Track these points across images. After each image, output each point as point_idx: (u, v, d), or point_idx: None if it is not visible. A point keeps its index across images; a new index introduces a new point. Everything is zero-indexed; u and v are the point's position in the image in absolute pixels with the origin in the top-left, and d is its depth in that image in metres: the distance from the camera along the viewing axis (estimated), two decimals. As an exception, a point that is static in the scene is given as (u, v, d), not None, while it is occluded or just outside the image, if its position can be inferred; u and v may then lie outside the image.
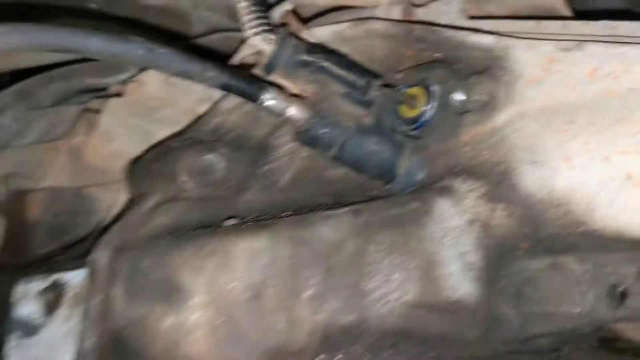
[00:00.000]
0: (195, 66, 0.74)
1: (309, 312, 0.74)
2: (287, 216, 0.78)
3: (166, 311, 0.70)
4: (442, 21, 1.07)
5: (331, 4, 1.15)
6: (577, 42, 0.84)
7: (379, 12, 1.08)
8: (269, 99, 0.80)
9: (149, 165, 0.89)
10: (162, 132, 1.21)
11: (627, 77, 0.79)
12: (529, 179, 0.83)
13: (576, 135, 0.81)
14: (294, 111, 0.82)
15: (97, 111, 1.31)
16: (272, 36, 0.82)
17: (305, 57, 0.81)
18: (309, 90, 0.83)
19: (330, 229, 0.77)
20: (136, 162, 0.95)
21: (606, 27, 0.89)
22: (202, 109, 1.08)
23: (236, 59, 0.97)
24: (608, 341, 1.17)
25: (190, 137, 0.90)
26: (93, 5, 1.51)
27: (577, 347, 1.06)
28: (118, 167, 1.25)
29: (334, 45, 1.03)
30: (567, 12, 1.19)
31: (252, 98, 0.80)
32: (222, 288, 0.71)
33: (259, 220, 0.78)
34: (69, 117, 1.59)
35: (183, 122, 1.02)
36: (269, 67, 0.81)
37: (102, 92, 1.47)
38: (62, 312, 0.93)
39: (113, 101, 1.22)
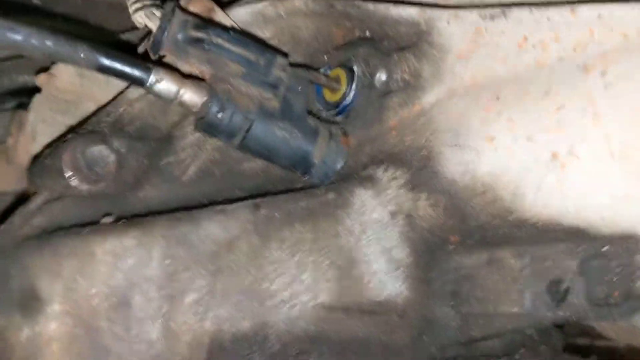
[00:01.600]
0: (64, 47, 0.66)
1: (192, 320, 0.65)
2: (171, 213, 0.69)
3: (23, 321, 0.62)
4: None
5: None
6: (501, 7, 0.74)
7: (303, -15, 1.00)
8: (157, 82, 0.72)
9: (42, 161, 0.81)
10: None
11: (556, 45, 0.69)
12: (452, 163, 0.74)
13: (500, 112, 0.71)
14: (187, 95, 0.73)
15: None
16: (157, 12, 0.74)
17: (195, 34, 0.73)
18: (204, 71, 0.75)
19: (218, 226, 0.69)
20: (35, 158, 0.87)
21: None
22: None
23: (141, 46, 0.89)
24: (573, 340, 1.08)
25: (87, 129, 0.82)
26: (36, 1, 1.44)
27: (534, 349, 0.97)
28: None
29: (255, 26, 0.94)
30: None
31: (138, 81, 0.72)
32: (81, 294, 0.62)
33: (140, 216, 0.69)
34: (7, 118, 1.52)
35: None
36: (155, 46, 0.73)
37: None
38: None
39: (36, 97, 1.15)
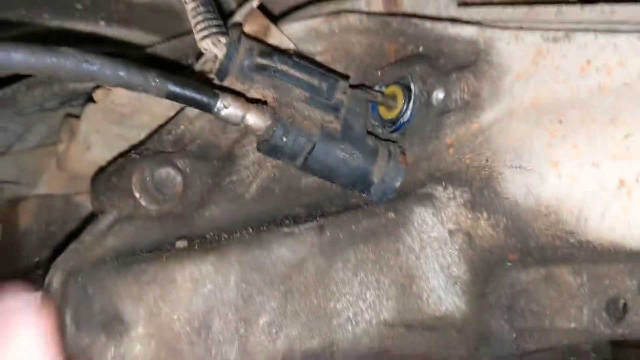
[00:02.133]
0: (136, 77, 0.68)
1: (265, 340, 0.68)
2: (241, 235, 0.71)
3: (108, 342, 0.65)
4: (430, 10, 0.99)
5: (312, -4, 1.08)
6: (565, 31, 0.75)
7: (361, 4, 1.01)
8: (224, 107, 0.73)
9: (108, 179, 0.83)
10: (140, 139, 1.16)
11: (621, 70, 0.70)
12: (514, 185, 0.75)
13: (565, 137, 0.72)
14: (252, 119, 0.75)
15: (79, 117, 1.27)
16: (223, 39, 0.75)
17: (260, 60, 0.74)
18: (269, 96, 0.76)
19: (287, 250, 0.71)
20: (98, 173, 0.89)
21: (603, 12, 0.79)
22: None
23: (198, 65, 0.90)
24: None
25: (150, 148, 0.84)
26: (79, 6, 1.47)
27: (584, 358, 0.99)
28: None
29: (308, 42, 0.96)
30: (568, -6, 1.09)
31: (205, 107, 0.74)
32: (164, 319, 0.65)
33: (215, 239, 0.72)
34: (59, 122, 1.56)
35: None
36: (221, 73, 0.75)
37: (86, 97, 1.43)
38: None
39: (89, 107, 1.17)
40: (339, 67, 0.94)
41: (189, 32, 1.31)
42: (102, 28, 1.32)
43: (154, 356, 0.64)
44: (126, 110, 1.09)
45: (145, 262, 0.68)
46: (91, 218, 0.88)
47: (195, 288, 0.66)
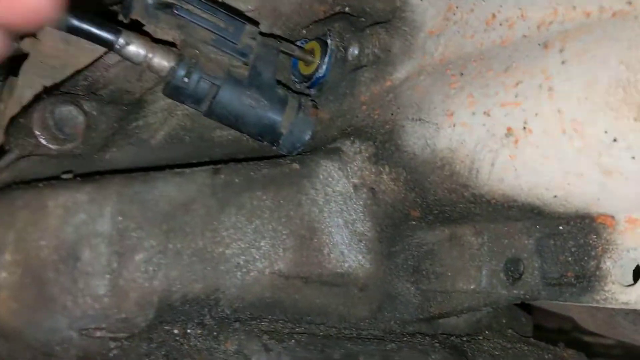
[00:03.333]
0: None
1: (140, 278, 0.66)
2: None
3: (-27, 269, 0.64)
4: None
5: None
6: (470, -17, 0.74)
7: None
8: (125, 45, 0.73)
9: (16, 119, 0.82)
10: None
11: (522, 23, 0.69)
12: (413, 137, 0.75)
13: (462, 88, 0.71)
14: (156, 59, 0.75)
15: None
16: (128, -26, 0.75)
17: (165, -2, 0.74)
18: (174, 36, 0.76)
19: (174, 187, 0.70)
20: (13, 117, 0.88)
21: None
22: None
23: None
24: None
25: (61, 91, 0.83)
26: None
27: (500, 332, 0.97)
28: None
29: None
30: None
31: (107, 43, 0.73)
32: (31, 245, 0.64)
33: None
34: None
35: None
36: (125, 9, 0.74)
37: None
38: None
39: (25, 63, 1.16)
40: (265, 23, 0.94)
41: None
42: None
43: (17, 284, 0.63)
44: (55, 62, 1.07)
45: (21, 190, 0.67)
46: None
47: (66, 216, 0.65)
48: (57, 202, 0.65)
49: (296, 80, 0.90)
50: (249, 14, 0.95)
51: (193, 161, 0.84)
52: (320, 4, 0.96)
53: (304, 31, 0.95)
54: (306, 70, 0.88)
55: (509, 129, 0.65)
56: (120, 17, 0.77)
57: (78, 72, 0.91)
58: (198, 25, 0.75)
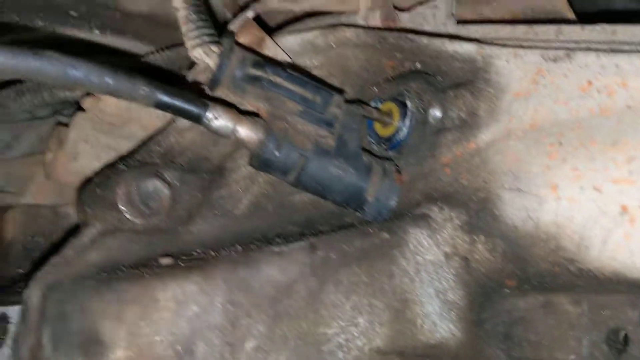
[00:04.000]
0: (123, 83, 0.66)
1: (252, 367, 0.65)
2: (229, 253, 0.68)
3: (86, 364, 0.61)
4: (429, 26, 0.97)
5: (309, 9, 1.06)
6: (566, 50, 0.73)
7: (358, 18, 0.99)
8: (214, 118, 0.71)
9: (92, 190, 0.80)
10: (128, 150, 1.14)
11: (623, 92, 0.68)
12: (512, 209, 0.73)
13: (565, 159, 0.70)
14: (244, 132, 0.73)
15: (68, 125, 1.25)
16: (215, 48, 0.73)
17: (253, 71, 0.72)
18: (261, 108, 0.74)
19: (277, 270, 0.68)
20: (85, 184, 0.86)
21: (604, 32, 0.78)
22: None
23: (190, 76, 0.88)
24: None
25: (138, 159, 0.82)
26: (73, 13, 1.44)
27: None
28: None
29: (304, 55, 0.94)
30: (569, 14, 1.08)
31: (195, 118, 0.71)
32: (145, 342, 0.62)
33: (202, 257, 0.69)
34: (49, 131, 1.53)
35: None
36: (213, 83, 0.72)
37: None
38: (3, 351, 0.86)
39: (78, 116, 1.15)
40: (335, 82, 0.92)
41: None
42: (96, 36, 1.29)
43: (134, 381, 0.61)
44: (115, 120, 1.06)
45: (127, 281, 0.65)
46: (75, 230, 0.85)
47: (179, 309, 0.63)
48: (167, 295, 0.63)
49: (372, 141, 0.89)
50: (315, 71, 0.94)
51: (277, 228, 0.82)
52: (389, 58, 0.95)
53: (375, 89, 0.93)
54: (384, 132, 0.87)
55: (624, 208, 0.64)
56: (206, 90, 0.75)
57: (150, 137, 0.89)
58: (286, 97, 0.74)
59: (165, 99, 0.68)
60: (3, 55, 0.59)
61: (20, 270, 1.39)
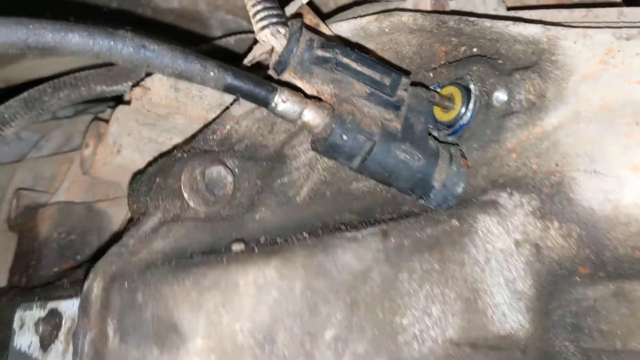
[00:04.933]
0: (194, 65, 0.64)
1: (330, 357, 0.62)
2: (303, 239, 0.66)
3: (161, 355, 0.59)
4: (479, 12, 0.95)
5: (358, -3, 1.05)
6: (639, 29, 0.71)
7: (407, 4, 0.97)
8: (281, 102, 0.69)
9: (150, 179, 0.78)
10: (174, 142, 1.12)
11: None
12: (589, 191, 0.70)
13: (646, 139, 0.68)
14: (310, 116, 0.70)
15: (107, 120, 1.23)
16: (283, 30, 0.71)
17: (321, 53, 0.70)
18: (328, 91, 0.72)
19: (353, 256, 0.65)
20: (138, 175, 0.84)
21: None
22: (214, 116, 0.98)
23: (248, 59, 0.86)
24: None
25: (196, 147, 0.80)
26: (105, 10, 1.43)
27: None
28: (128, 180, 1.17)
29: (357, 41, 0.92)
30: (617, -1, 1.06)
31: (262, 101, 0.69)
32: (225, 330, 0.59)
33: (270, 243, 0.66)
34: (83, 127, 1.52)
35: (195, 130, 0.92)
36: (280, 65, 0.70)
37: (113, 100, 1.39)
38: (57, 346, 0.84)
39: (120, 109, 1.13)
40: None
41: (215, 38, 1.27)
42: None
43: (212, 372, 0.58)
44: (162, 111, 1.04)
45: (205, 265, 0.62)
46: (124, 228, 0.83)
47: (260, 295, 0.60)
48: (248, 280, 0.60)
49: (432, 126, 0.86)
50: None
51: (335, 216, 0.80)
52: (443, 43, 0.92)
53: (431, 74, 0.91)
54: (444, 117, 0.85)
55: None
56: (271, 73, 0.73)
57: (206, 125, 0.88)
58: (354, 79, 0.72)
59: (235, 82, 0.66)
60: (79, 35, 0.57)
61: (55, 269, 1.37)
